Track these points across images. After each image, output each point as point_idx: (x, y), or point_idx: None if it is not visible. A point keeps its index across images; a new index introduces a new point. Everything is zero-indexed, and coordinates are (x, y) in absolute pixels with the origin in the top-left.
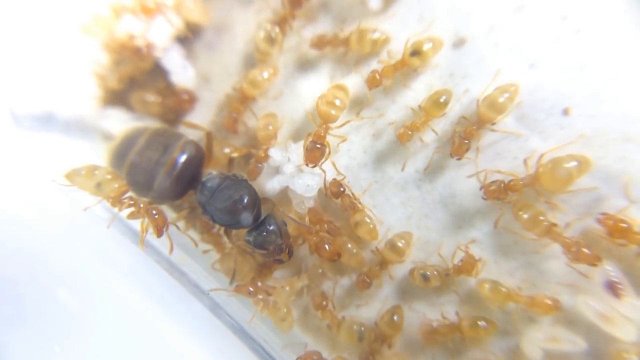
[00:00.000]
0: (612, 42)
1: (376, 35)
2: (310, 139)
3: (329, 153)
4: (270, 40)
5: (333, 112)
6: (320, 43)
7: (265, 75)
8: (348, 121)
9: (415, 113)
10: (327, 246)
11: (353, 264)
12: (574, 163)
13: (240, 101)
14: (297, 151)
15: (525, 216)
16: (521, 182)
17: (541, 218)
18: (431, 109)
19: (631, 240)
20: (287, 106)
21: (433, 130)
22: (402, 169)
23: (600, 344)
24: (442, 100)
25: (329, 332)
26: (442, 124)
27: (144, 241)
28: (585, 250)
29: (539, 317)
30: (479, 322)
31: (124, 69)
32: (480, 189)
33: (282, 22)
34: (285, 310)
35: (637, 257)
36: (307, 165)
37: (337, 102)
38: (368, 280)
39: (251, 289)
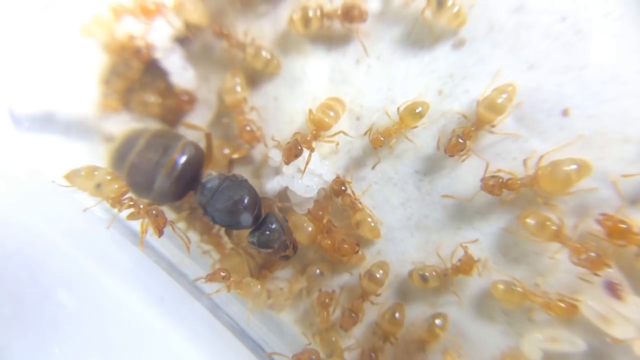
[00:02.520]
0: (611, 42)
1: (268, 56)
2: (296, 138)
3: (309, 157)
4: (306, 20)
5: (326, 119)
6: (220, 34)
7: None
8: (340, 132)
9: (390, 118)
10: (346, 245)
11: (352, 262)
12: (573, 167)
13: None
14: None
15: (532, 222)
16: (519, 182)
17: (548, 223)
18: (406, 117)
19: (630, 241)
20: (287, 106)
21: (407, 137)
22: (373, 168)
23: (600, 344)
24: (417, 110)
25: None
26: (441, 123)
27: (143, 242)
28: (593, 255)
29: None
30: None
31: (115, 85)
32: (481, 180)
33: (328, 17)
34: (259, 286)
35: (637, 258)
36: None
37: (332, 113)
38: (354, 315)
39: (223, 274)
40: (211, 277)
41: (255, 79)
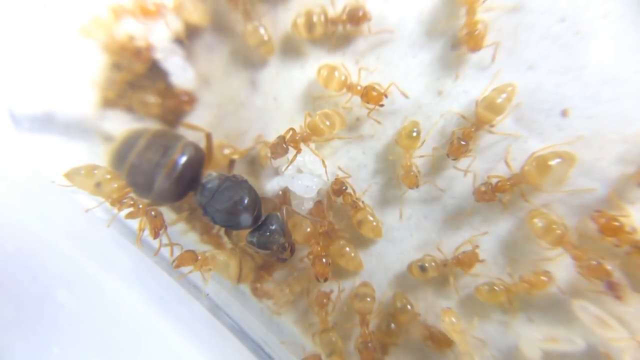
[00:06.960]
0: (610, 43)
1: (265, 37)
2: (283, 135)
3: (295, 155)
4: (310, 25)
5: (321, 126)
6: (235, 4)
7: None
8: (333, 138)
9: (400, 148)
10: (324, 260)
11: (351, 268)
12: (557, 160)
13: None
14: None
15: (539, 224)
16: (508, 183)
17: (554, 226)
18: (406, 143)
19: (622, 239)
20: (287, 106)
21: (414, 158)
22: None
23: (599, 343)
24: (414, 133)
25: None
26: (441, 125)
27: (140, 239)
28: (594, 263)
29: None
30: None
31: (119, 76)
32: (473, 193)
33: (332, 22)
34: (223, 256)
35: (628, 256)
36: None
37: (328, 122)
38: (371, 345)
39: (199, 257)
40: (180, 261)
41: (255, 79)
